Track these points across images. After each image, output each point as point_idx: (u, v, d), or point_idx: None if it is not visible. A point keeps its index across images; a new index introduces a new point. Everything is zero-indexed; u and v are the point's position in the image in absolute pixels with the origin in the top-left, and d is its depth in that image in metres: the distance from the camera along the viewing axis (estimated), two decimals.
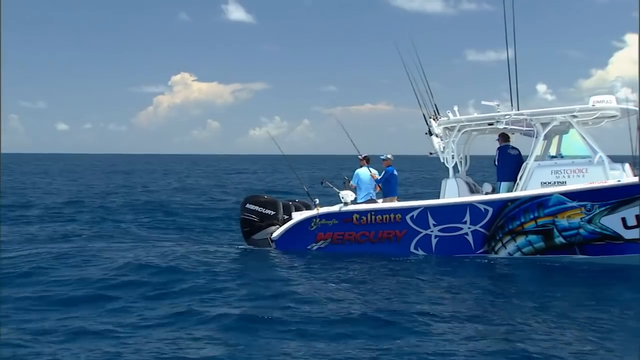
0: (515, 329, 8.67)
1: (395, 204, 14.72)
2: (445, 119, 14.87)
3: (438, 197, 14.79)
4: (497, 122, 14.40)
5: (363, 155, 15.60)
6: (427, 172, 57.85)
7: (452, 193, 14.63)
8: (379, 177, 15.19)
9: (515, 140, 15.50)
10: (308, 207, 16.52)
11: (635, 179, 12.88)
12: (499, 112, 14.47)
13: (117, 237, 18.13)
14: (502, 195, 13.75)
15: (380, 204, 14.78)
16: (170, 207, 26.90)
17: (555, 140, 15.34)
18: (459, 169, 15.71)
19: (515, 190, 14.02)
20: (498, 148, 14.76)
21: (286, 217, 15.59)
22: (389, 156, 15.33)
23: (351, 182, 15.49)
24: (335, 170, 18.43)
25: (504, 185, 14.38)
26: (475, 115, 14.79)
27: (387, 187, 15.19)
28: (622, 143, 13.65)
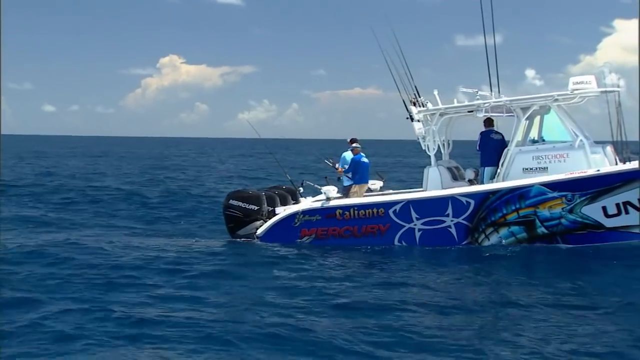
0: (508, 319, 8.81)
1: (378, 198, 14.72)
2: (424, 108, 14.77)
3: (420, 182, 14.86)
4: (477, 110, 14.35)
5: (350, 139, 15.69)
6: (417, 156, 57.55)
7: (434, 181, 14.62)
8: (346, 167, 15.32)
9: (503, 124, 15.52)
10: (293, 194, 16.54)
11: (613, 168, 12.92)
12: (478, 99, 14.39)
13: (86, 226, 17.98)
14: (483, 187, 13.72)
15: (363, 199, 14.77)
16: (137, 193, 26.30)
17: (536, 121, 15.30)
18: (442, 151, 15.69)
19: (497, 176, 14.04)
20: (481, 133, 14.70)
21: (270, 209, 15.56)
22: (357, 145, 15.43)
23: (338, 166, 15.55)
24: (321, 155, 18.10)
25: (487, 170, 14.36)
26: (455, 104, 14.67)
27: (356, 175, 15.26)
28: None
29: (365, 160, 15.41)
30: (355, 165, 15.24)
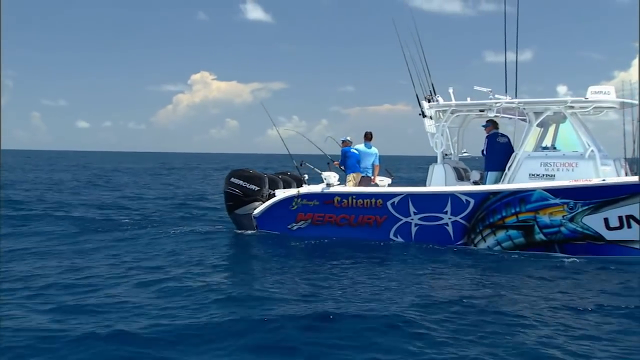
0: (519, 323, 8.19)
1: (378, 189, 14.47)
2: (435, 103, 14.49)
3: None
4: (489, 109, 14.02)
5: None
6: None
7: (439, 179, 14.34)
8: (340, 161, 15.54)
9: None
10: (298, 181, 16.40)
11: (620, 179, 12.49)
12: (491, 98, 14.06)
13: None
14: (485, 187, 13.38)
15: (363, 188, 14.55)
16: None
17: (551, 129, 14.93)
18: (452, 151, 15.42)
19: (503, 181, 13.69)
20: (487, 136, 14.34)
21: (272, 192, 15.41)
22: (347, 138, 15.62)
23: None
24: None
25: (490, 175, 13.98)
26: (468, 101, 14.36)
27: (347, 165, 15.40)
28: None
29: (354, 151, 15.43)
30: (343, 156, 15.41)
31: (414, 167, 63.22)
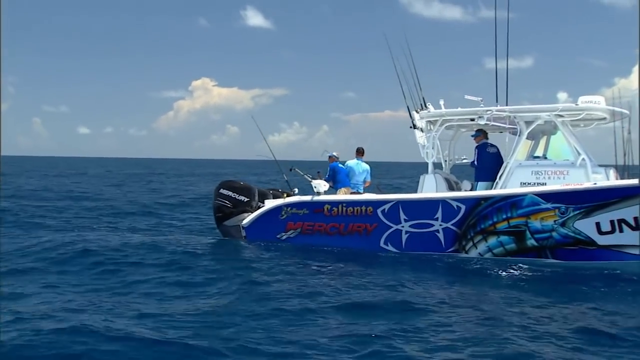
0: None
1: (368, 196, 14.34)
2: (426, 112, 14.45)
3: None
4: (479, 117, 13.95)
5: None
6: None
7: (430, 189, 14.20)
8: (326, 176, 15.16)
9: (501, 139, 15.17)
10: (289, 196, 16.24)
11: (611, 182, 12.42)
12: (481, 107, 14.04)
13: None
14: (476, 192, 13.27)
15: (352, 196, 14.41)
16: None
17: (542, 141, 14.91)
18: (443, 165, 15.33)
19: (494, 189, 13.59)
20: (476, 147, 14.27)
21: (261, 204, 15.25)
22: (334, 154, 15.31)
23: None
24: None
25: (481, 185, 13.85)
26: (458, 109, 14.33)
27: (335, 181, 15.10)
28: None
29: (342, 166, 15.22)
30: (331, 172, 15.13)
31: (408, 175, 63.11)
